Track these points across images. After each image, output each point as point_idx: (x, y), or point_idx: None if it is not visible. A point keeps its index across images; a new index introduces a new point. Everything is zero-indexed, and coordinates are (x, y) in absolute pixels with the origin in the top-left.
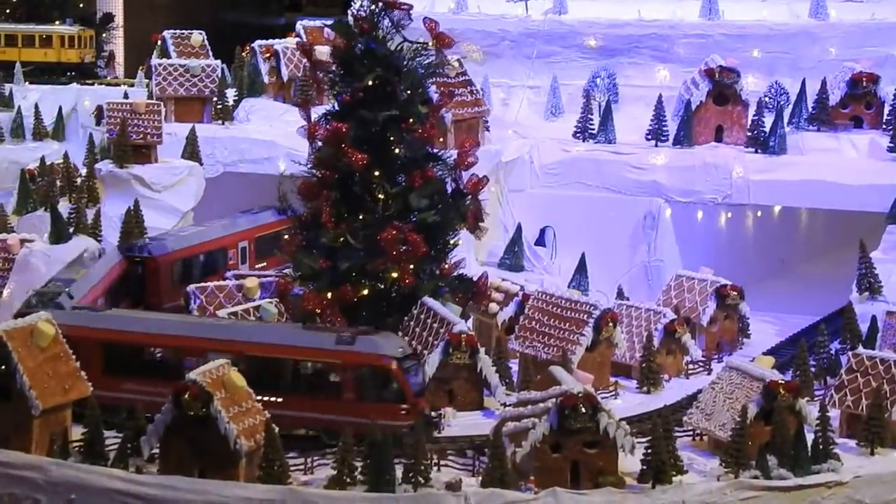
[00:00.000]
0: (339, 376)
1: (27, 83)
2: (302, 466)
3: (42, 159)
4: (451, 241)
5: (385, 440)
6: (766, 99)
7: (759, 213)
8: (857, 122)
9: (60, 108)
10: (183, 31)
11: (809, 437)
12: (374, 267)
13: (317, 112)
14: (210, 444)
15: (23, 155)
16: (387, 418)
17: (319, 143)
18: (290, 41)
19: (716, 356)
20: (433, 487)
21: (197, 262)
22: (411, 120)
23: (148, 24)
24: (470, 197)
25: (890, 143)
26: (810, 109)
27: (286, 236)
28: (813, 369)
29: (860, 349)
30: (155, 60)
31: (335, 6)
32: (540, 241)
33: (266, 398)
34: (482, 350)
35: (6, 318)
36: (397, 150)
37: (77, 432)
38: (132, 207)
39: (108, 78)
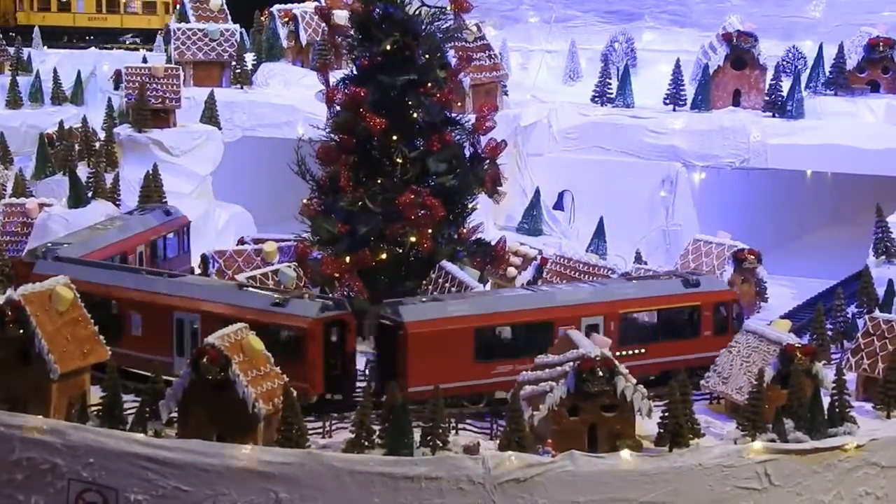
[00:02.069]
0: (700, 316)
1: (45, 47)
2: (320, 430)
3: (61, 123)
4: (470, 206)
5: (403, 403)
6: (784, 63)
7: (776, 177)
8: (874, 86)
9: (79, 73)
10: None
11: (826, 401)
12: (392, 231)
13: (335, 76)
14: (228, 408)
15: (41, 119)
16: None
17: (338, 108)
18: (309, 5)
19: None
20: (451, 451)
21: None
22: (429, 84)
23: None
24: (488, 161)
25: None
26: (827, 74)
27: (304, 200)
28: (830, 333)
29: (877, 313)
30: (174, 24)
31: None
32: (558, 206)
33: (635, 351)
34: None
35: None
36: (415, 115)
37: (96, 396)
38: (151, 172)
39: (127, 42)
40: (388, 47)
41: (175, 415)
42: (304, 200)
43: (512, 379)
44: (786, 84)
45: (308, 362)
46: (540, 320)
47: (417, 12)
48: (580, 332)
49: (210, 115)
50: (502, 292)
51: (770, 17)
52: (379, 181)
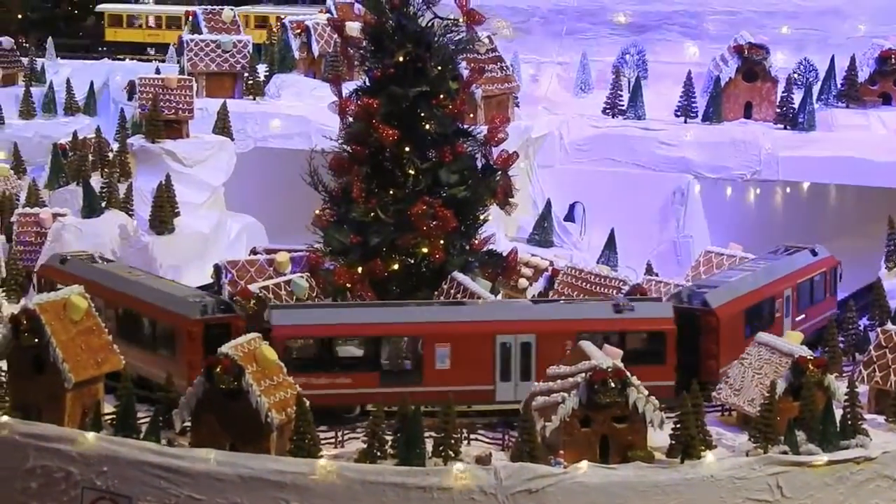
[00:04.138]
0: (825, 281)
1: (58, 58)
2: (332, 440)
3: (74, 134)
4: (481, 217)
5: (416, 413)
6: (795, 75)
7: (787, 189)
8: (886, 98)
9: (92, 84)
10: (214, 7)
11: (838, 413)
12: (404, 242)
13: (347, 88)
14: (241, 418)
15: (54, 130)
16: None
17: (350, 119)
18: (322, 17)
19: None
20: (463, 461)
21: None
22: (441, 96)
23: None
24: (500, 172)
25: None
26: (839, 86)
27: (317, 211)
28: (842, 345)
29: (889, 325)
30: (186, 36)
31: None
32: (569, 217)
33: (802, 316)
34: None
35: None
36: (427, 126)
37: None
38: (164, 182)
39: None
40: (401, 59)
41: (188, 424)
42: (317, 211)
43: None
44: (797, 96)
45: (669, 361)
46: (769, 296)
47: (430, 24)
48: (783, 302)
49: (222, 126)
50: (737, 274)
51: (781, 30)
52: (391, 192)
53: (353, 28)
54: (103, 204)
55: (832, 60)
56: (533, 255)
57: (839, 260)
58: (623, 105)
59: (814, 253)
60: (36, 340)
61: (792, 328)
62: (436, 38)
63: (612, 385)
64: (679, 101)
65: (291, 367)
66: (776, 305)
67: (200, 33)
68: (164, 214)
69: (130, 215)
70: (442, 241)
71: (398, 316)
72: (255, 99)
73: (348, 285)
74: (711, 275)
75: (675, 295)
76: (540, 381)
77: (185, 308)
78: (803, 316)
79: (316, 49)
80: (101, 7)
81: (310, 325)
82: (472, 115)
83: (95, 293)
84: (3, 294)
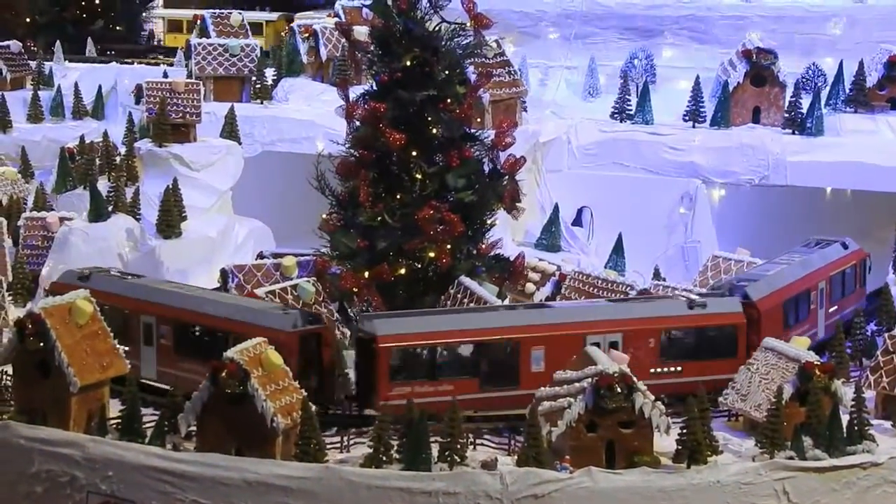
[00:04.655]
0: (855, 273)
1: (66, 62)
2: (338, 445)
3: (81, 138)
4: (488, 221)
5: (421, 418)
6: (804, 80)
7: (795, 194)
8: (894, 103)
9: (100, 87)
10: (222, 11)
11: (845, 419)
12: (411, 246)
13: (355, 92)
14: (247, 422)
15: (62, 133)
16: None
17: (357, 123)
18: (329, 21)
19: None
20: (469, 466)
21: None
22: (449, 100)
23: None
24: (507, 177)
25: None
26: (847, 91)
27: (324, 215)
28: (849, 350)
29: None
30: (194, 40)
31: None
32: (577, 222)
33: (834, 308)
34: None
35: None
36: (435, 130)
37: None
38: (171, 186)
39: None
40: (408, 63)
41: (194, 428)
42: (324, 215)
43: None
44: (805, 101)
45: (740, 354)
46: (805, 288)
47: (437, 28)
48: (817, 294)
49: (230, 130)
50: (774, 268)
51: (790, 35)
52: (398, 196)
53: (361, 32)
54: (110, 208)
55: (840, 65)
56: (540, 259)
57: (868, 252)
58: (631, 109)
59: (844, 246)
60: (41, 345)
61: (825, 320)
62: (443, 43)
63: (619, 390)
64: (687, 106)
65: (393, 376)
66: (811, 298)
67: (208, 37)
68: (171, 218)
69: (137, 219)
70: (449, 246)
71: (496, 320)
72: (262, 103)
73: (355, 290)
74: (752, 268)
75: (716, 289)
76: None
77: (277, 321)
78: (835, 308)
79: (324, 53)
80: (157, 13)
81: (414, 333)
82: (479, 120)
83: (142, 310)
84: (10, 298)
